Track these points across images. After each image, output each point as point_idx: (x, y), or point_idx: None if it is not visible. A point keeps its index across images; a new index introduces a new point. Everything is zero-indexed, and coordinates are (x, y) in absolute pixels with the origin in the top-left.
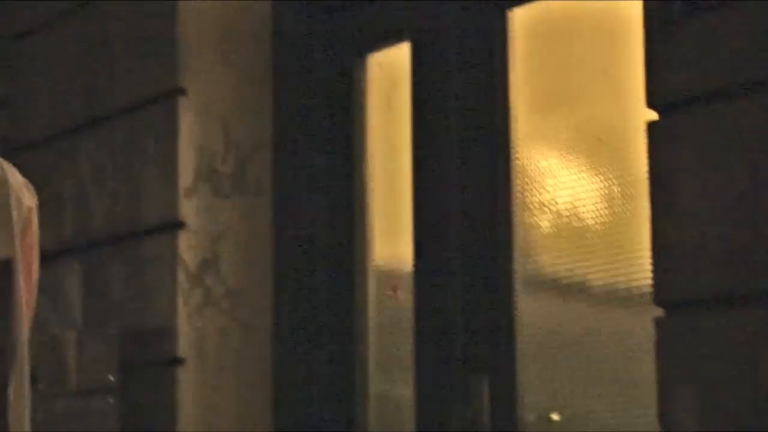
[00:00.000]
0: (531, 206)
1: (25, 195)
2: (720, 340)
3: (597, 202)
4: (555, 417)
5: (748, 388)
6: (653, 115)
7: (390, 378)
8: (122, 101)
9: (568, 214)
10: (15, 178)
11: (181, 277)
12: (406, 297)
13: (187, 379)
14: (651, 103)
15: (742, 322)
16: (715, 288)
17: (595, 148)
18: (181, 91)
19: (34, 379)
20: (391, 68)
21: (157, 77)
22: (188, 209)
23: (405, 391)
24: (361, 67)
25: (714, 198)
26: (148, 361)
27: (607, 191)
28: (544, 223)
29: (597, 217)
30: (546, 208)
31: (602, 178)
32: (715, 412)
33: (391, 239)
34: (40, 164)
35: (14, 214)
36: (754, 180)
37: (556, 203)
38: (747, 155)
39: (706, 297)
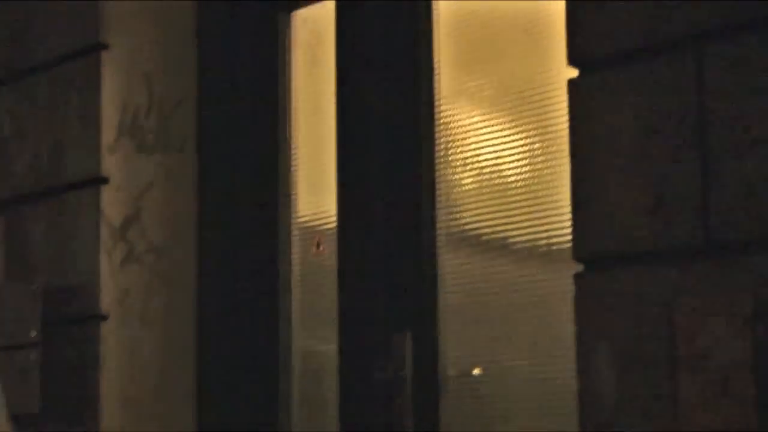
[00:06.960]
0: (454, 163)
1: None
2: (637, 295)
3: (519, 159)
4: (477, 372)
5: (664, 344)
6: (574, 73)
7: (314, 333)
8: (44, 55)
9: (490, 171)
10: None
11: (104, 232)
12: (330, 252)
13: (110, 335)
14: (572, 61)
15: (658, 277)
16: (632, 244)
17: (518, 105)
18: (104, 46)
19: None
20: (315, 24)
21: (80, 31)
22: (111, 164)
23: (329, 346)
24: (286, 22)
25: (632, 155)
26: (71, 317)
27: (529, 148)
28: (467, 180)
29: (519, 174)
30: (469, 165)
31: (524, 135)
32: (632, 368)
33: (316, 195)
34: None
35: None
36: (671, 138)
37: (479, 160)
38: (663, 114)
39: (623, 253)
